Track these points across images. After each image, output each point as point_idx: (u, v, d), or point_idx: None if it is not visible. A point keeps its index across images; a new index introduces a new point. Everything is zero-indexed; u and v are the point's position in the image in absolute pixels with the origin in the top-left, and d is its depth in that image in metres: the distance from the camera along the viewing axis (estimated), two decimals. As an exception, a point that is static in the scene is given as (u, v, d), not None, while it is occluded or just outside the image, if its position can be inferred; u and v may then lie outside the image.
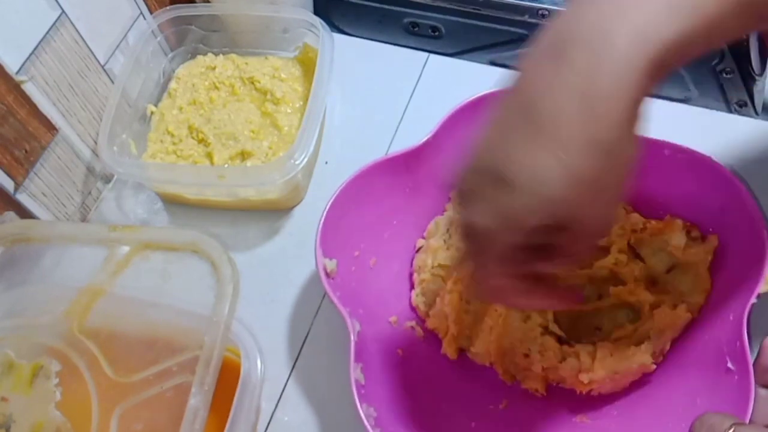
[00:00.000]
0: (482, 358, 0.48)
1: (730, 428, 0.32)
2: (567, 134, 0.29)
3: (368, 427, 0.40)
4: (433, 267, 0.50)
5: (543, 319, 0.47)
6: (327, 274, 0.45)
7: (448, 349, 0.48)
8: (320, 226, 0.46)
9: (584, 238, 0.34)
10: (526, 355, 0.46)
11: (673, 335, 0.45)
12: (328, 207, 0.46)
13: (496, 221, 0.32)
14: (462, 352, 0.49)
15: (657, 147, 0.45)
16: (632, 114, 0.30)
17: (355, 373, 0.42)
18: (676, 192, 0.46)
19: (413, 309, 0.51)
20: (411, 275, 0.52)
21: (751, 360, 0.38)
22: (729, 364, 0.40)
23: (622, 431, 0.44)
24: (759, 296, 0.40)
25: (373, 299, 0.49)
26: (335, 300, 0.44)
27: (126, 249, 0.48)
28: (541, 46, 0.31)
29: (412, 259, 0.52)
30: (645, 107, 0.31)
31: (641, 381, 0.45)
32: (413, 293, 0.51)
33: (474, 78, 0.63)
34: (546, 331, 0.47)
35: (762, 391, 0.38)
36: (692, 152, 0.44)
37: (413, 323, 0.50)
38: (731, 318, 0.40)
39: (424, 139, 0.49)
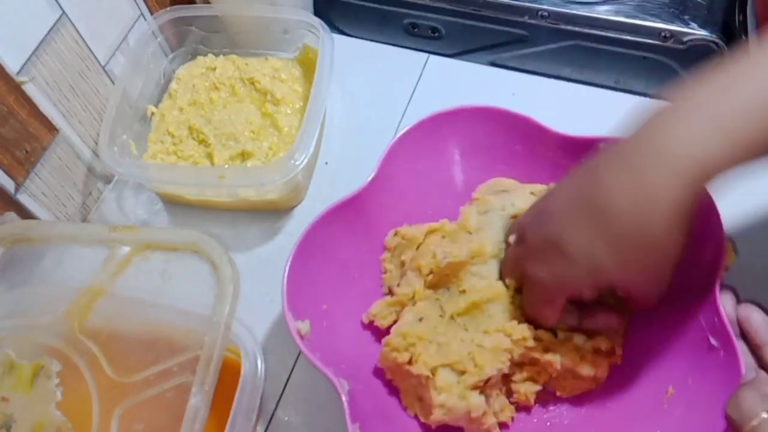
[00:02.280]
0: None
1: (765, 414, 0.33)
2: (618, 228, 0.36)
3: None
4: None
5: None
6: (301, 337, 0.43)
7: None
8: (285, 288, 0.44)
9: (634, 301, 0.42)
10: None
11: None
12: (287, 269, 0.44)
13: (553, 280, 0.40)
14: None
15: (592, 143, 0.46)
16: (676, 216, 0.35)
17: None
18: None
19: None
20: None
21: (733, 333, 0.38)
22: (712, 341, 0.40)
23: (620, 418, 0.44)
24: (726, 268, 0.41)
25: (353, 352, 0.47)
26: (317, 363, 0.42)
27: (126, 249, 0.48)
28: (611, 150, 0.38)
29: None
30: (692, 212, 0.36)
31: (629, 368, 0.45)
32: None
33: (474, 79, 0.64)
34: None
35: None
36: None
37: None
38: (704, 295, 0.40)
39: (368, 180, 0.48)
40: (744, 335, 0.39)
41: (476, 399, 0.44)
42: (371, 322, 0.49)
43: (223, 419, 0.43)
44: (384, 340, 0.46)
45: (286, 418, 0.49)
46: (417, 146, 0.51)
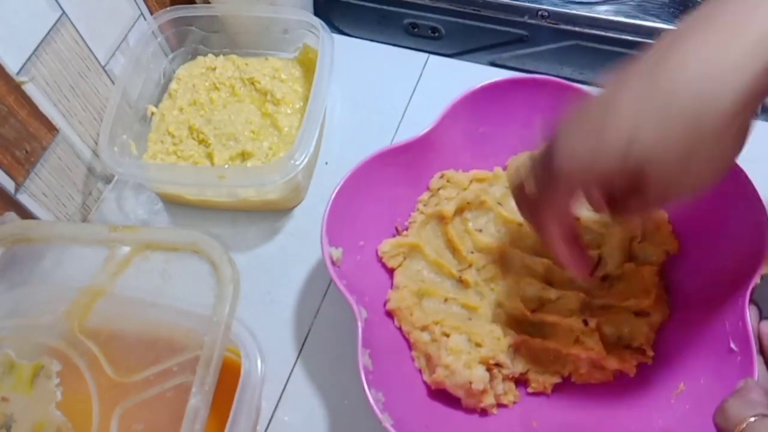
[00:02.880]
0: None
1: (752, 418, 0.33)
2: (676, 104, 0.32)
3: (377, 411, 0.40)
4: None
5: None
6: (333, 263, 0.45)
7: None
8: (326, 214, 0.46)
9: (658, 194, 0.35)
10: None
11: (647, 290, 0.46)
12: (333, 196, 0.46)
13: (580, 157, 0.35)
14: None
15: None
16: (744, 100, 0.31)
17: (363, 358, 0.42)
18: None
19: None
20: None
21: (753, 341, 0.38)
22: (732, 345, 0.40)
23: (631, 412, 0.44)
24: (762, 277, 0.40)
25: (379, 288, 0.49)
26: (342, 287, 0.44)
27: (126, 249, 0.48)
28: (673, 31, 0.33)
29: None
30: (755, 113, 0.33)
31: (645, 363, 0.46)
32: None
33: (474, 78, 0.63)
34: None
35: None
36: None
37: None
38: (734, 300, 0.41)
39: (427, 130, 0.49)
40: (763, 351, 0.39)
41: (480, 372, 0.44)
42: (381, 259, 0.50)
43: (223, 419, 0.43)
44: (395, 282, 0.46)
45: (286, 418, 0.49)
46: (484, 107, 0.51)
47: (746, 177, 0.43)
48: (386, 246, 0.50)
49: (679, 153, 0.32)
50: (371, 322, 0.45)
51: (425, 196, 0.53)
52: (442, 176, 0.52)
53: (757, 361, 0.38)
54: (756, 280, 0.40)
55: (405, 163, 0.50)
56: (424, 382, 0.47)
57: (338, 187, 0.47)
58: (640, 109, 0.33)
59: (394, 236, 0.52)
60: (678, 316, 0.46)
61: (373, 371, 0.42)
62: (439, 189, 0.52)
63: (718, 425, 0.35)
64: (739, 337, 0.39)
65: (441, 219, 0.51)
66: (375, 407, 0.40)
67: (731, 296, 0.41)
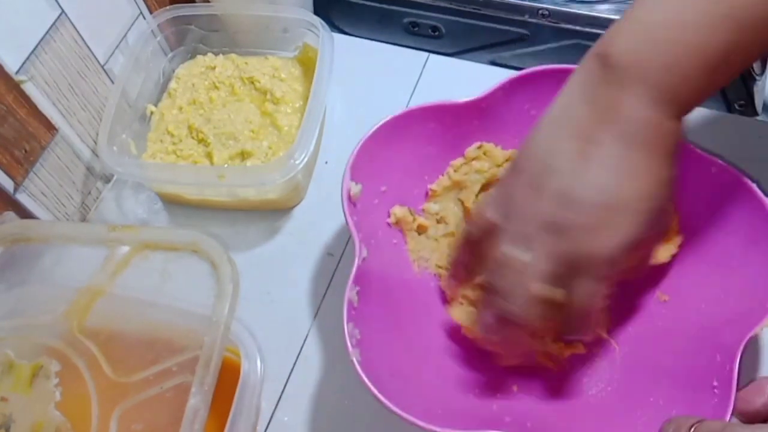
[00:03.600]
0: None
1: (696, 422, 0.33)
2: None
3: (349, 345, 0.40)
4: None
5: None
6: (349, 197, 0.45)
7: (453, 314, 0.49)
8: (357, 148, 0.46)
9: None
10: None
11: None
12: (369, 134, 0.46)
13: (618, 247, 0.36)
14: None
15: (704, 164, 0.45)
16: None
17: (351, 293, 0.42)
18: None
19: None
20: None
21: (734, 388, 0.38)
22: (714, 383, 0.39)
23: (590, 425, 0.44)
24: (759, 331, 0.39)
25: (388, 237, 0.49)
26: (350, 222, 0.44)
27: (126, 249, 0.48)
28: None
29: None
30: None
31: (625, 380, 0.46)
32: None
33: (474, 78, 0.63)
34: None
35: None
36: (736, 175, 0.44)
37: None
38: (729, 341, 0.40)
39: (477, 96, 0.49)
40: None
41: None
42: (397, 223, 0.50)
43: (223, 419, 0.43)
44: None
45: (286, 419, 0.49)
46: (541, 90, 0.50)
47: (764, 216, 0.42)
48: (399, 211, 0.50)
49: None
50: (370, 264, 0.45)
51: (458, 161, 0.52)
52: (480, 147, 0.51)
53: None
54: (756, 330, 0.39)
55: (448, 124, 0.50)
56: (408, 335, 0.47)
57: (376, 127, 0.47)
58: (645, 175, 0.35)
59: (423, 195, 0.51)
60: (672, 338, 0.46)
61: (357, 308, 0.42)
62: (473, 159, 0.51)
63: None
64: (723, 379, 0.39)
65: (463, 191, 0.51)
66: (348, 341, 0.40)
67: (728, 336, 0.40)
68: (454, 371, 0.47)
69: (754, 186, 0.43)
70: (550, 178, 0.36)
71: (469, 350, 0.48)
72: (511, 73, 0.49)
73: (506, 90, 0.49)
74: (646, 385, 0.44)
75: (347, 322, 0.41)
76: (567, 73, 0.49)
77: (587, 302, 0.38)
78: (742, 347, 0.39)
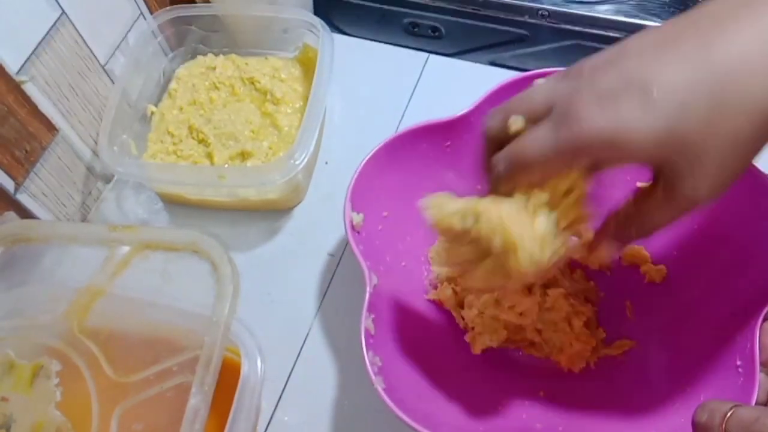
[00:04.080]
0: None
1: (729, 410, 0.32)
2: (732, 89, 0.28)
3: (371, 374, 0.40)
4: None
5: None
6: (353, 227, 0.46)
7: (473, 345, 0.49)
8: (354, 178, 0.46)
9: (688, 190, 0.31)
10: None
11: None
12: (364, 161, 0.47)
13: (610, 126, 0.29)
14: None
15: None
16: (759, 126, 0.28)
17: (366, 322, 0.42)
18: None
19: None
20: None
21: (758, 364, 0.38)
22: (738, 362, 0.40)
23: (619, 412, 0.44)
24: None
25: (396, 261, 0.49)
26: (357, 252, 0.44)
27: (126, 249, 0.48)
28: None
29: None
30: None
31: (652, 364, 0.46)
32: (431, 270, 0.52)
33: (474, 78, 0.64)
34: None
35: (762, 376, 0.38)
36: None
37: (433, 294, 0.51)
38: (746, 318, 0.40)
39: (465, 111, 0.49)
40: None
41: None
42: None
43: (223, 419, 0.43)
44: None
45: (286, 418, 0.49)
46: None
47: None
48: (442, 294, 0.51)
49: (722, 142, 0.28)
50: (381, 289, 0.45)
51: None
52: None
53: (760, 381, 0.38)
54: None
55: (439, 141, 0.50)
56: (427, 356, 0.47)
57: (371, 154, 0.47)
58: (694, 81, 0.28)
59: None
60: (688, 326, 0.46)
61: (374, 336, 0.43)
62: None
63: (699, 423, 0.33)
64: (745, 357, 0.39)
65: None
66: (370, 370, 0.40)
67: (745, 312, 0.41)
68: (479, 386, 0.47)
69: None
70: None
71: (491, 363, 0.49)
72: (499, 81, 0.49)
73: (494, 101, 0.49)
74: (673, 378, 0.44)
75: (367, 351, 0.41)
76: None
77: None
78: (759, 324, 0.39)
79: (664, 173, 0.31)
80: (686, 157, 0.29)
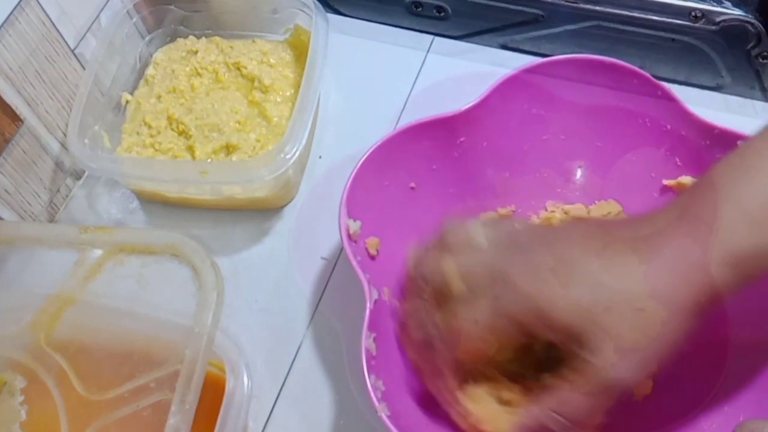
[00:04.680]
0: None
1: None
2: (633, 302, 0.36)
3: (374, 400, 0.40)
4: None
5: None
6: (349, 236, 0.46)
7: None
8: (349, 182, 0.46)
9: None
10: None
11: None
12: (360, 163, 0.47)
13: (543, 299, 0.38)
14: None
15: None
16: (694, 305, 0.36)
17: (367, 342, 0.42)
18: None
19: None
20: None
21: None
22: None
23: None
24: None
25: (397, 271, 0.49)
26: (355, 264, 0.44)
27: (99, 252, 0.48)
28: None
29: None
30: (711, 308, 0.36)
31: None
32: None
33: (483, 63, 0.64)
34: None
35: None
36: None
37: None
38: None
39: (470, 105, 0.49)
40: None
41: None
42: None
43: (206, 441, 0.43)
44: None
45: (276, 440, 0.49)
46: (541, 87, 0.51)
47: None
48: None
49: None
50: (381, 305, 0.45)
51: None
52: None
53: None
54: None
55: (444, 138, 0.50)
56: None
57: (367, 155, 0.47)
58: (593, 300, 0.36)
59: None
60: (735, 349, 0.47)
61: (376, 357, 0.43)
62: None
63: None
64: None
65: None
66: (373, 395, 0.40)
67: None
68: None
69: None
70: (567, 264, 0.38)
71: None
72: (506, 73, 0.49)
73: (502, 92, 0.50)
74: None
75: (369, 375, 0.41)
76: (571, 64, 0.50)
77: None
78: None
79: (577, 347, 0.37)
80: (596, 333, 0.36)
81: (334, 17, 0.68)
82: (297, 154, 0.51)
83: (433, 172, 0.51)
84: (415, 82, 0.64)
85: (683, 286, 0.35)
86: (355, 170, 0.47)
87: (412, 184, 0.51)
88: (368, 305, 0.43)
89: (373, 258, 0.48)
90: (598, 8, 0.61)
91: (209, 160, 0.57)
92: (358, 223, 0.47)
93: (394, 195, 0.50)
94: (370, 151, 0.48)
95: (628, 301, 0.36)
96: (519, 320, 0.39)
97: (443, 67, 0.64)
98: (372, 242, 0.48)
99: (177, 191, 0.58)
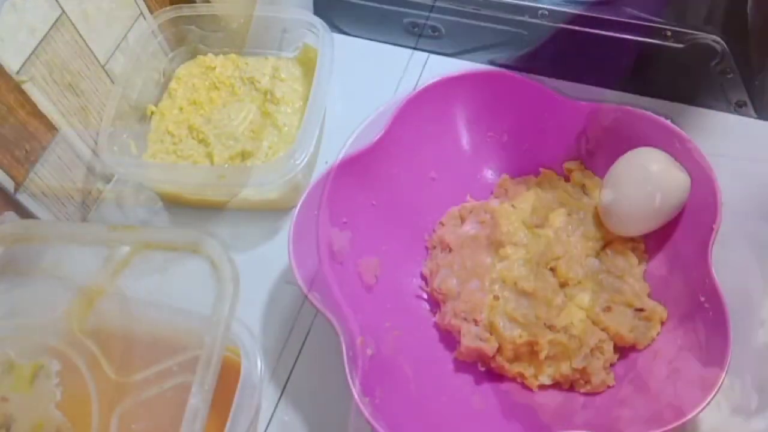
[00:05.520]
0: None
1: None
2: None
3: (367, 414, 0.40)
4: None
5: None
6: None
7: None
8: (290, 244, 0.47)
9: None
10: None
11: None
12: (293, 221, 0.47)
13: None
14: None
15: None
16: None
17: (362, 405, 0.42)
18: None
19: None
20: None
21: (722, 295, 0.39)
22: (701, 299, 0.41)
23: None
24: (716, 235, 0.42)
25: (361, 303, 0.49)
26: (322, 309, 0.45)
27: (126, 249, 0.48)
28: None
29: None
30: None
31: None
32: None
33: (474, 78, 0.64)
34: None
35: None
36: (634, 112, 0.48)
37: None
38: (696, 258, 0.42)
39: (376, 139, 0.50)
40: None
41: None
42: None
43: (223, 419, 0.43)
44: None
45: (286, 418, 0.49)
46: (426, 109, 0.52)
47: (690, 142, 0.45)
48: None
49: None
50: (378, 358, 0.45)
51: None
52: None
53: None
54: (714, 234, 0.42)
55: (362, 172, 0.51)
56: (419, 388, 0.46)
57: (297, 208, 0.47)
58: None
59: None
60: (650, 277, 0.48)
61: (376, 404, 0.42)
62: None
63: None
64: (708, 292, 0.40)
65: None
66: (365, 411, 0.40)
67: (697, 253, 0.42)
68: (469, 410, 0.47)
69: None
70: None
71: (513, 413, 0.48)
72: (401, 97, 0.52)
73: (400, 123, 0.51)
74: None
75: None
76: (445, 85, 0.52)
77: None
78: (710, 256, 0.41)
79: None
80: None
81: (339, 36, 0.68)
82: (306, 159, 0.51)
83: (361, 207, 0.51)
84: (412, 95, 0.64)
85: None
86: (292, 228, 0.47)
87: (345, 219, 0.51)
88: (359, 363, 0.43)
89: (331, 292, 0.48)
90: (576, 28, 0.61)
91: (226, 165, 0.57)
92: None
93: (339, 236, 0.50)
94: (300, 202, 0.48)
95: None
96: None
97: (438, 82, 0.64)
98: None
99: (197, 193, 0.58)
